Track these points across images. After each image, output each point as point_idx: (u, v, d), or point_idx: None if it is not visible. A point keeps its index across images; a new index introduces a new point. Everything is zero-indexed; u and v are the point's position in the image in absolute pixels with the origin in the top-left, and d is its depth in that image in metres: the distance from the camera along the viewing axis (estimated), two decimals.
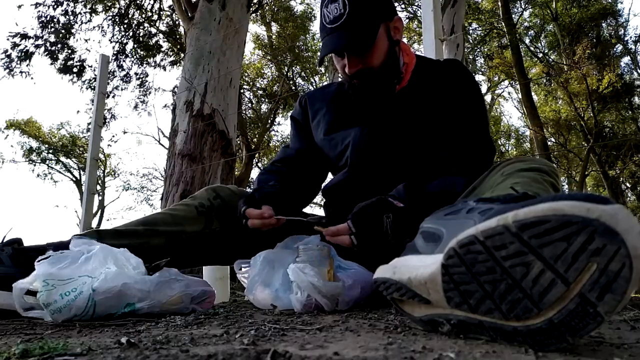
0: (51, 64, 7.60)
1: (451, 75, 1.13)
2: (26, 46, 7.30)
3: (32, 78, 7.69)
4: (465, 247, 0.49)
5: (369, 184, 1.13)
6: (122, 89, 8.56)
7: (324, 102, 1.26)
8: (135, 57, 8.33)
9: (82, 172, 16.25)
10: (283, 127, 17.51)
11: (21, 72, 7.45)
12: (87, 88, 8.05)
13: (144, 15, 8.00)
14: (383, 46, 1.08)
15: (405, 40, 1.16)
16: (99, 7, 7.73)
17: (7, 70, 7.35)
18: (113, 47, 7.99)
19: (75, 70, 7.80)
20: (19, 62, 7.35)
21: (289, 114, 1.37)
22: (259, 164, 12.74)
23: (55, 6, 7.27)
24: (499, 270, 0.47)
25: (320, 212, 1.48)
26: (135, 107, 9.08)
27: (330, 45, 1.05)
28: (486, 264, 0.48)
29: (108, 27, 7.89)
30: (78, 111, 19.84)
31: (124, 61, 8.26)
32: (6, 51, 7.28)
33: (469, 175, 1.01)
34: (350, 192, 1.17)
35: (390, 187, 0.99)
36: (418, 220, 0.68)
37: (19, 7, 7.61)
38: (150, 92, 9.01)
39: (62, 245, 0.97)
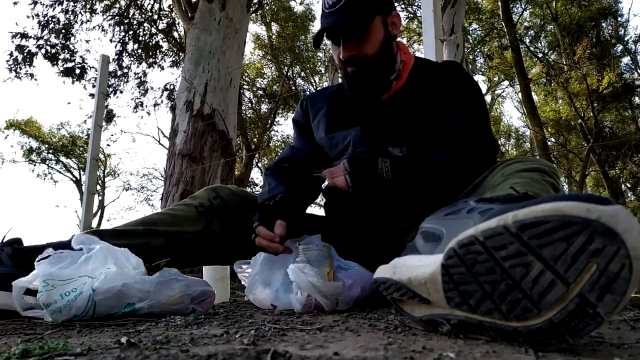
0: (53, 65, 7.58)
1: (451, 75, 1.14)
2: (27, 46, 7.27)
3: (35, 79, 7.66)
4: (465, 247, 0.49)
5: None
6: (121, 91, 8.54)
7: (324, 102, 1.27)
8: (135, 57, 8.31)
9: (82, 172, 16.25)
10: (283, 127, 17.52)
11: (26, 73, 7.42)
12: (92, 86, 8.01)
13: (143, 15, 7.98)
14: (378, 36, 1.10)
15: (405, 40, 1.18)
16: (99, 7, 7.71)
17: (14, 73, 7.32)
18: (115, 47, 7.97)
19: (76, 72, 7.77)
20: (23, 64, 7.32)
21: (292, 117, 1.38)
22: (259, 164, 12.75)
23: (53, 6, 7.24)
24: (499, 271, 0.47)
25: (321, 212, 1.48)
26: (136, 107, 9.03)
27: (326, 25, 1.08)
28: (486, 265, 0.48)
29: (109, 27, 7.87)
30: (86, 114, 19.72)
31: (123, 61, 8.24)
32: (11, 53, 7.25)
33: (473, 165, 1.01)
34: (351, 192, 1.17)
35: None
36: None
37: (15, 3, 7.52)
38: (148, 92, 8.95)
39: (62, 245, 0.97)
